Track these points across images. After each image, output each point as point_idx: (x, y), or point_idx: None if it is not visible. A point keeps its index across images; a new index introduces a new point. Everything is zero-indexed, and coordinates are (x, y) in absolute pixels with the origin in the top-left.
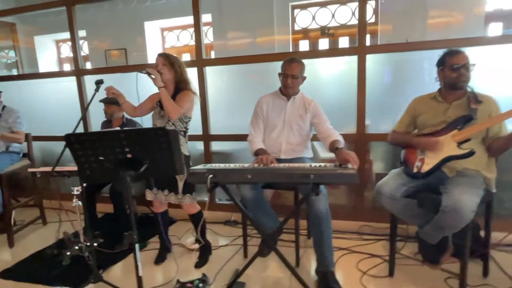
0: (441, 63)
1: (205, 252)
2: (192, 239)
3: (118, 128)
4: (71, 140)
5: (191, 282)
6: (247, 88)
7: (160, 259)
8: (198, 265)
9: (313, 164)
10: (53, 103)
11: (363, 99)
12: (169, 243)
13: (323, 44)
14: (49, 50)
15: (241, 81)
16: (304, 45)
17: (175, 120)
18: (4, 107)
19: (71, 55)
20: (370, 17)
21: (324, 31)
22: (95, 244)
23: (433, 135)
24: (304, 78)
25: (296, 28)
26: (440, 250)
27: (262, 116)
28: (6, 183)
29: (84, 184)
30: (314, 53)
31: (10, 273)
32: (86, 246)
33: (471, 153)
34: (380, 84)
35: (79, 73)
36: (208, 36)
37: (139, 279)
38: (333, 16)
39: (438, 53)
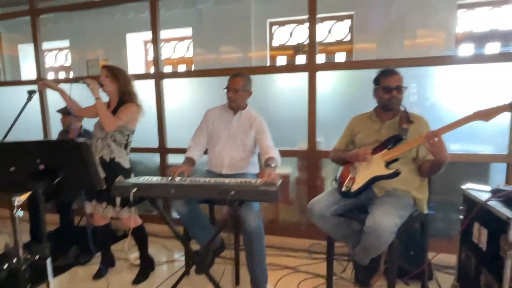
0: (376, 82)
1: (145, 268)
2: (136, 254)
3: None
4: None
5: None
6: (210, 101)
7: (98, 274)
8: (136, 281)
9: (243, 180)
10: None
11: (314, 115)
12: (110, 258)
13: (300, 60)
14: (32, 59)
15: (204, 94)
16: (281, 61)
17: (115, 132)
18: None
19: (55, 64)
20: (345, 35)
21: (299, 48)
22: (36, 256)
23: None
24: (250, 92)
25: (274, 44)
26: (370, 272)
27: (207, 128)
28: None
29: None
30: (270, 69)
31: None
32: (24, 260)
33: (396, 174)
34: (337, 101)
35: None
36: (189, 49)
37: None
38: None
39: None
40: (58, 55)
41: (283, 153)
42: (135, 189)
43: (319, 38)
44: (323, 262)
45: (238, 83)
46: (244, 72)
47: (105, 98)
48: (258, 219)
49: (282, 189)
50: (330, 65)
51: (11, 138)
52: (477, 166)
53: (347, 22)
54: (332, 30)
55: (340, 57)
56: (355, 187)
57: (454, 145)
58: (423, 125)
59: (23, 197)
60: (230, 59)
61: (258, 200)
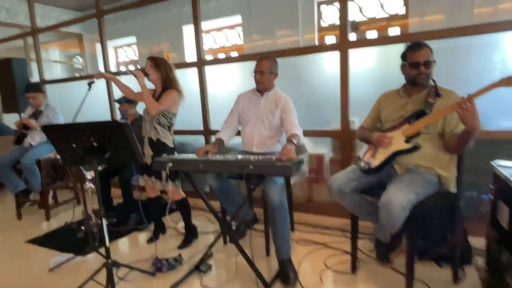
0: (403, 58)
1: (189, 236)
2: (182, 224)
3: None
4: (48, 131)
5: (166, 259)
6: (250, 85)
7: (152, 239)
8: (181, 246)
9: (262, 157)
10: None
11: (346, 95)
12: (162, 226)
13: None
14: (109, 55)
15: (244, 79)
16: (331, 40)
17: (159, 115)
18: (47, 105)
19: (127, 59)
20: (400, 9)
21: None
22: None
23: (391, 130)
24: (276, 74)
25: (323, 24)
26: (390, 248)
27: (238, 112)
28: (44, 166)
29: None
30: (301, 50)
31: (38, 240)
32: (95, 224)
33: (415, 148)
34: (371, 79)
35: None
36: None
37: (107, 250)
38: (360, 10)
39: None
40: (128, 50)
41: (317, 134)
42: (170, 164)
43: (370, 14)
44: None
45: (264, 66)
46: (274, 55)
47: (151, 86)
48: (281, 195)
49: (317, 169)
50: (362, 42)
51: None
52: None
53: None
54: (385, 5)
55: (394, 31)
56: (375, 163)
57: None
58: (454, 98)
59: (92, 172)
60: (279, 44)
61: (273, 174)
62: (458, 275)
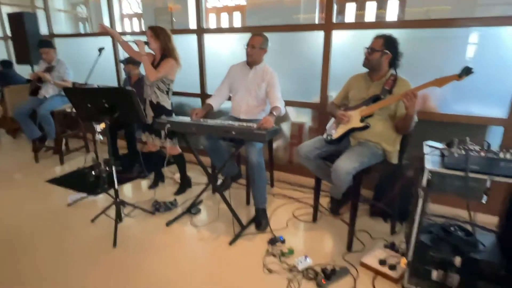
0: None
1: (183, 185)
2: (178, 174)
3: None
4: (68, 93)
5: (164, 202)
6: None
7: (152, 186)
8: (176, 193)
9: (244, 124)
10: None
11: (327, 72)
12: (161, 176)
13: (350, 6)
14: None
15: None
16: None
17: (158, 81)
18: (58, 60)
19: (131, 12)
20: None
21: None
22: (111, 169)
23: (353, 109)
24: (265, 50)
25: None
26: (340, 204)
27: (229, 81)
28: (57, 118)
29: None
30: (290, 27)
31: (56, 181)
32: (104, 170)
33: (366, 127)
34: (350, 59)
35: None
36: None
37: (116, 191)
38: None
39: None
40: (132, 2)
41: (300, 104)
42: (168, 125)
43: None
44: (321, 197)
45: (256, 41)
46: (265, 30)
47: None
48: (259, 156)
49: (298, 135)
50: (346, 25)
51: (92, 81)
52: (475, 128)
53: None
54: None
55: (393, 5)
56: (335, 135)
57: (456, 105)
58: (406, 87)
59: (102, 125)
60: (281, 7)
61: (250, 140)
62: (395, 228)
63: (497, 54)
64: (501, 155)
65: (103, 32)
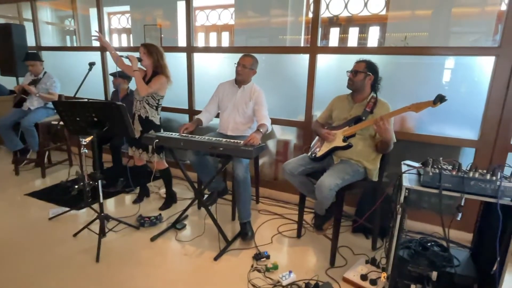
0: None
1: (169, 200)
2: (164, 189)
3: (86, 100)
4: (57, 105)
5: (149, 217)
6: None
7: (136, 200)
8: (161, 208)
9: (232, 140)
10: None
11: (312, 92)
12: (146, 190)
13: (333, 32)
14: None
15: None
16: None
17: (148, 96)
18: (45, 73)
19: (120, 26)
20: (382, 9)
21: (332, 20)
22: (95, 183)
23: (336, 128)
24: (255, 72)
25: (310, 15)
26: (324, 220)
27: (218, 99)
28: (42, 130)
29: (89, 138)
30: (278, 49)
31: (36, 194)
32: (88, 184)
33: (348, 146)
34: (334, 80)
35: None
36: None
37: (101, 205)
38: (345, 6)
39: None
40: (121, 18)
41: (285, 123)
42: (156, 140)
43: (355, 10)
44: (308, 214)
45: (247, 61)
46: (254, 51)
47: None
48: (245, 171)
49: (283, 152)
50: (330, 49)
51: (80, 95)
52: (450, 149)
53: None
54: (368, 4)
55: (374, 31)
56: (319, 153)
57: (432, 127)
58: (384, 110)
59: (88, 139)
60: (268, 28)
61: (238, 156)
62: (376, 244)
63: (469, 80)
64: (471, 174)
65: (98, 40)
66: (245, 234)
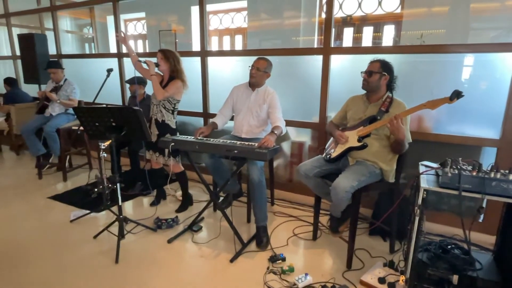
0: None
1: (185, 202)
2: (180, 192)
3: (104, 105)
4: (77, 111)
5: (166, 219)
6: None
7: (154, 203)
8: (178, 210)
9: (246, 143)
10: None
11: (326, 93)
12: (163, 193)
13: (347, 32)
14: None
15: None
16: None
17: (165, 100)
18: (65, 80)
19: (136, 33)
20: (396, 7)
21: (346, 20)
22: (114, 186)
23: (351, 129)
24: (269, 75)
25: (323, 15)
26: (340, 222)
27: (232, 101)
28: (63, 135)
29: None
30: (291, 51)
31: (58, 197)
32: (107, 187)
33: (363, 146)
34: (349, 80)
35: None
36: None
37: (120, 207)
38: (359, 5)
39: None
40: (137, 24)
41: (300, 124)
42: (172, 143)
43: (369, 10)
44: (323, 216)
45: (261, 64)
46: (267, 53)
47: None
48: (260, 174)
49: (298, 154)
50: (344, 50)
51: (98, 100)
52: (470, 149)
53: None
54: (382, 2)
55: (389, 29)
56: (334, 155)
57: (451, 127)
58: (400, 109)
59: (106, 143)
60: (281, 29)
61: (252, 158)
62: (394, 247)
63: (490, 77)
64: (492, 175)
65: (120, 41)
66: (260, 240)
